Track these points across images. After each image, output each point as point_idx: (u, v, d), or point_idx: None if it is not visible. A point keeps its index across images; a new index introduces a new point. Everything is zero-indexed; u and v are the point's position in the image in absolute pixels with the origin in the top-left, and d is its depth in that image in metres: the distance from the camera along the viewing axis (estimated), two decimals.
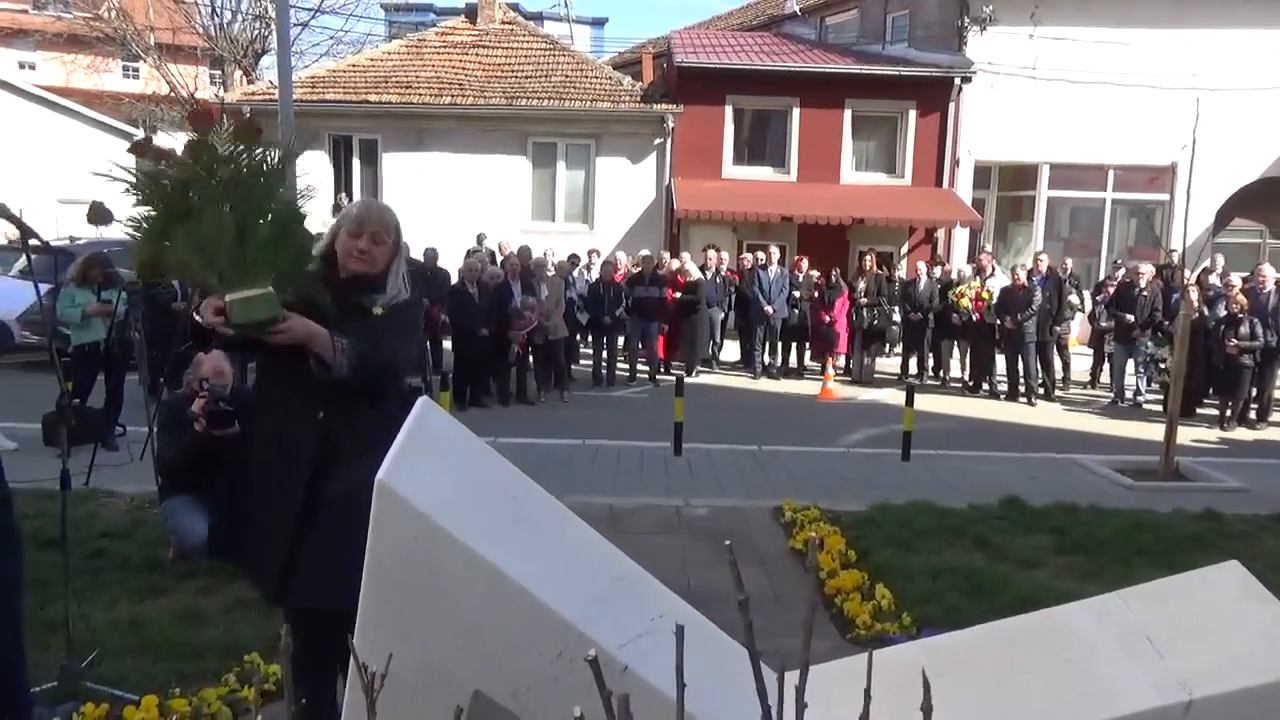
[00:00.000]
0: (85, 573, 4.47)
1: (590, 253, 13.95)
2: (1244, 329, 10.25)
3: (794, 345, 13.55)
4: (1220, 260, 13.23)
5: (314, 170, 16.21)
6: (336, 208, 17.11)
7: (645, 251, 13.46)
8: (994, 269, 12.63)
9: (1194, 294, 10.17)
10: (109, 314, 7.50)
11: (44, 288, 3.36)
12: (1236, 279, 11.16)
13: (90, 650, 3.60)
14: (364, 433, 2.43)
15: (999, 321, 11.65)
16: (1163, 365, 11.27)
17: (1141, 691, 1.71)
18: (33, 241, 3.37)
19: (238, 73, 27.60)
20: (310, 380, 2.42)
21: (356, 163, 17.26)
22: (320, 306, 2.50)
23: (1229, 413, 10.49)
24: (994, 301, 11.77)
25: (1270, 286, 10.56)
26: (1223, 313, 10.65)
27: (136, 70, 31.41)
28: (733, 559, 0.73)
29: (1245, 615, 1.78)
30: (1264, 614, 1.75)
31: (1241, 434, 10.21)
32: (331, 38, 29.76)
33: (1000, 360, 12.12)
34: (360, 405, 2.51)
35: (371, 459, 1.74)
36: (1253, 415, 10.70)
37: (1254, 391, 10.69)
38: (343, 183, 17.26)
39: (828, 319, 12.67)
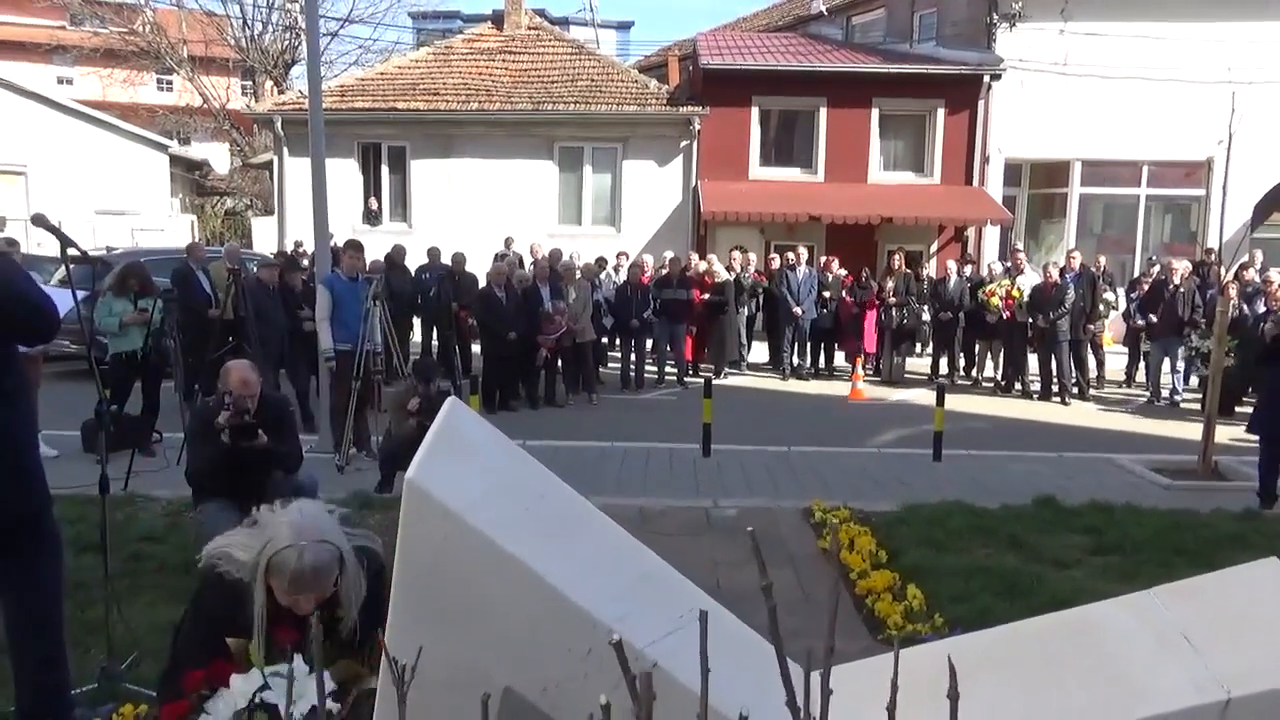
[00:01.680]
0: (124, 575, 4.54)
1: (619, 255, 13.97)
2: None
3: (823, 346, 13.48)
4: (1259, 255, 12.98)
5: (344, 178, 16.40)
6: (368, 213, 17.32)
7: (670, 253, 13.46)
8: (1025, 267, 12.49)
9: (1233, 290, 9.99)
10: (145, 322, 7.62)
11: (81, 294, 3.43)
12: (1276, 275, 10.94)
13: (130, 652, 3.66)
14: None
15: (1030, 320, 11.52)
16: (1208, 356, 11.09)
17: (1178, 689, 1.68)
18: (71, 251, 3.43)
19: (269, 83, 28.01)
20: None
21: (385, 170, 17.44)
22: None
23: None
24: (1025, 300, 11.64)
25: None
26: (1261, 309, 10.45)
27: (170, 83, 31.96)
28: (756, 545, 0.73)
29: None
30: None
31: None
32: (360, 46, 30.10)
33: (1033, 359, 11.98)
34: None
35: None
36: None
37: None
38: (372, 189, 17.44)
39: (855, 312, 12.60)
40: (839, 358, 13.49)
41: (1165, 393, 11.45)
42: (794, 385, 12.68)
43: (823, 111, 16.80)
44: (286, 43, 28.56)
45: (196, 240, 16.54)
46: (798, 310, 12.66)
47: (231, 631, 2.36)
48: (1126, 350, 13.05)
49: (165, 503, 5.99)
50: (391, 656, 0.92)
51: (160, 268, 9.67)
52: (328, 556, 2.36)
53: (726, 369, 13.00)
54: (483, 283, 10.99)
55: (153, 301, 7.66)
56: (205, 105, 29.24)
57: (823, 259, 13.91)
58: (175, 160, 26.69)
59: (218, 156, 31.43)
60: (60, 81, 31.25)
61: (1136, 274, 14.34)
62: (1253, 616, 1.78)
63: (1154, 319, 11.23)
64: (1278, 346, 6.35)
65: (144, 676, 3.53)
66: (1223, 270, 10.45)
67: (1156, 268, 12.63)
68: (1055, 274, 11.48)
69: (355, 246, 8.21)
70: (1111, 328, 13.61)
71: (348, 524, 2.60)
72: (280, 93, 24.30)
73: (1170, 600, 1.90)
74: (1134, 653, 1.85)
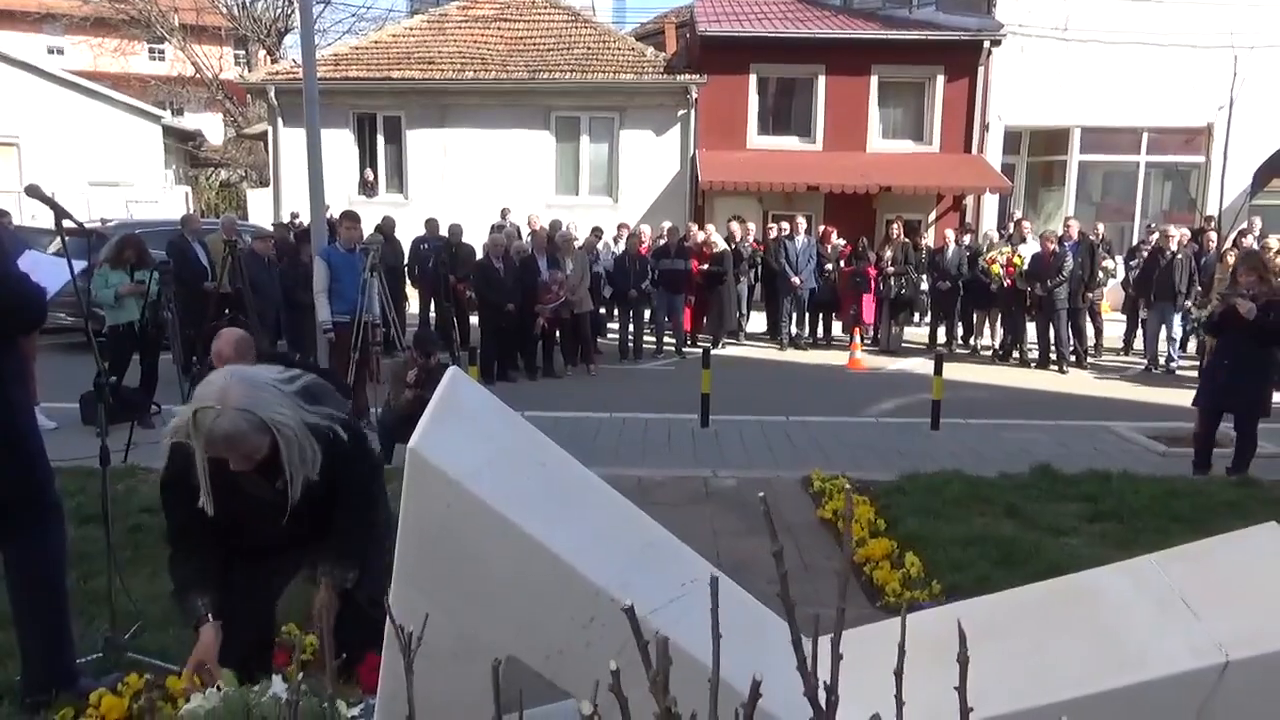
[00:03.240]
0: (126, 547, 4.56)
1: (620, 227, 13.91)
2: None
3: (821, 316, 13.47)
4: (1258, 222, 12.95)
5: (339, 149, 16.28)
6: (363, 184, 17.22)
7: (669, 223, 13.40)
8: (1026, 235, 12.45)
9: (1230, 258, 9.97)
10: (142, 294, 7.60)
11: (78, 266, 3.40)
12: (1275, 241, 10.93)
13: (133, 622, 3.68)
14: None
15: (1029, 289, 11.50)
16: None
17: (1177, 654, 1.70)
18: (67, 223, 3.40)
19: (261, 52, 27.73)
20: None
21: (381, 140, 17.31)
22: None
23: (1277, 377, 10.29)
24: (1025, 268, 11.62)
25: None
26: None
27: (162, 52, 31.62)
28: (766, 508, 0.73)
29: None
30: None
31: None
32: (354, 15, 29.89)
33: (1031, 328, 11.98)
34: None
35: None
36: None
37: None
38: (368, 160, 17.32)
39: (859, 281, 12.58)
40: (837, 327, 13.48)
41: (1162, 360, 11.47)
42: (792, 355, 12.69)
43: (821, 79, 16.66)
44: (279, 10, 28.25)
45: (191, 212, 16.43)
46: (796, 280, 12.63)
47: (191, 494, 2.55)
48: (1125, 318, 13.05)
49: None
50: (398, 624, 0.92)
51: (155, 240, 9.63)
52: (244, 425, 2.45)
53: (725, 339, 13.00)
54: (480, 254, 10.95)
55: (149, 273, 7.64)
56: (198, 75, 28.95)
57: (821, 229, 13.85)
58: (169, 131, 26.45)
59: (211, 127, 31.16)
60: (51, 51, 30.88)
61: (1135, 242, 14.30)
62: (1251, 581, 1.78)
63: (1147, 287, 11.21)
64: (1223, 320, 6.38)
65: (147, 646, 3.56)
66: (1212, 236, 10.43)
67: (1155, 235, 12.61)
68: (1054, 242, 11.45)
69: (352, 217, 8.18)
70: (1110, 296, 13.60)
71: (318, 400, 2.68)
72: (274, 62, 24.05)
73: (1168, 565, 1.91)
74: (1132, 617, 1.86)
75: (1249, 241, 11.87)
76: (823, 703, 0.66)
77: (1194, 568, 1.88)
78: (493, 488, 1.61)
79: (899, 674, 0.78)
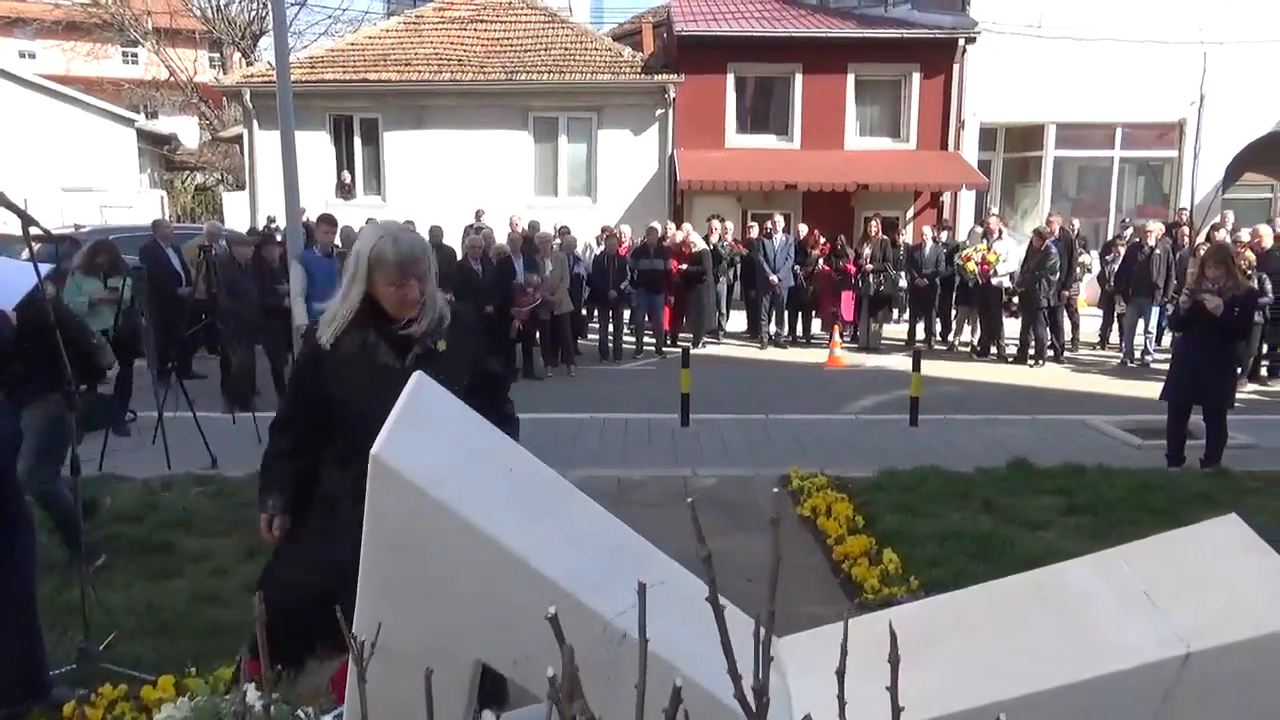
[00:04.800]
0: (100, 556, 4.52)
1: (603, 229, 13.85)
2: (1253, 285, 10.15)
3: (800, 314, 13.52)
4: (1230, 216, 13.09)
5: (315, 151, 16.19)
6: (341, 186, 17.12)
7: (656, 224, 13.41)
8: (1001, 231, 12.54)
9: (1203, 252, 10.09)
10: (116, 301, 7.52)
11: (44, 268, 3.36)
12: (1245, 235, 11.06)
13: (107, 633, 3.65)
14: None
15: (1013, 285, 11.61)
16: None
17: (1141, 645, 1.72)
18: (34, 230, 3.37)
19: (236, 55, 27.52)
20: None
21: (358, 142, 17.22)
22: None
23: (1240, 370, 10.43)
24: (1000, 262, 11.71)
25: (1269, 244, 10.46)
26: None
27: (136, 56, 31.34)
28: (694, 516, 0.74)
29: (1243, 568, 1.78)
30: (1262, 566, 1.75)
31: (1252, 390, 10.16)
32: (329, 17, 29.66)
33: (1010, 323, 12.07)
34: None
35: None
36: (1264, 372, 10.64)
37: (1264, 348, 10.63)
38: (344, 162, 17.23)
39: (837, 280, 12.64)
40: (816, 325, 13.53)
41: (1138, 354, 11.58)
42: (772, 353, 12.73)
43: (798, 78, 16.72)
44: (254, 13, 28.05)
45: (164, 217, 16.29)
46: (774, 278, 12.67)
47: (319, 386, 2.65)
48: (1101, 313, 13.18)
49: (140, 482, 5.96)
50: (353, 634, 0.92)
51: (130, 245, 9.54)
52: (420, 240, 2.67)
53: (705, 338, 13.02)
54: (460, 256, 10.92)
55: (123, 280, 7.56)
56: (172, 78, 28.72)
57: (802, 229, 13.88)
58: (143, 135, 26.23)
59: (186, 131, 30.90)
60: (22, 55, 30.55)
61: (1110, 237, 14.44)
62: (1212, 573, 1.81)
63: (1127, 282, 11.33)
64: (1191, 317, 6.46)
65: (122, 656, 3.53)
66: (1185, 231, 10.54)
67: (1129, 230, 12.73)
68: (1046, 238, 11.53)
69: (327, 220, 8.14)
70: (1086, 290, 13.73)
71: None
72: (249, 65, 23.88)
73: (1133, 558, 1.94)
74: (1098, 610, 1.88)
75: (1222, 235, 12.00)
76: (753, 704, 0.66)
77: (1158, 561, 1.91)
78: (458, 493, 1.61)
79: (840, 674, 0.79)
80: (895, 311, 13.60)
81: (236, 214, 18.76)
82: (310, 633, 2.56)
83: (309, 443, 2.74)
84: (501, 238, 11.47)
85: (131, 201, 21.87)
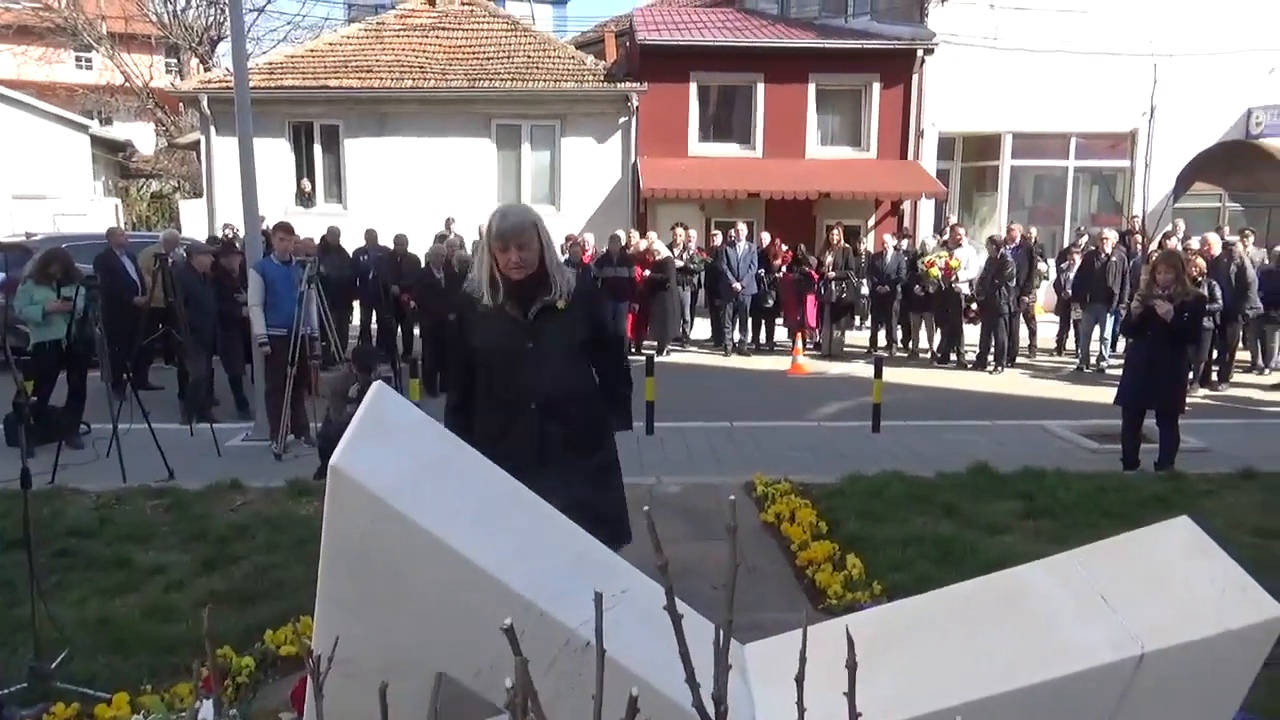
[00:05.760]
0: (53, 572, 4.42)
1: (566, 238, 13.82)
2: (1203, 291, 10.39)
3: (764, 321, 13.59)
4: (1181, 225, 13.41)
5: (275, 159, 16.00)
6: (300, 194, 16.93)
7: (621, 232, 13.41)
8: (963, 240, 12.71)
9: (1154, 259, 10.30)
10: (69, 310, 7.37)
11: None
12: (1195, 243, 11.33)
13: (59, 650, 3.57)
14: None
15: (975, 293, 11.78)
16: None
17: (1096, 646, 1.75)
18: None
19: (194, 60, 27.14)
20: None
21: (318, 149, 17.05)
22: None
23: (1191, 375, 10.67)
24: (961, 269, 11.88)
25: (1217, 251, 10.72)
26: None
27: (90, 61, 30.78)
28: (651, 524, 0.74)
29: (1195, 570, 1.82)
30: (1211, 568, 1.79)
31: (1203, 395, 10.39)
32: (289, 23, 29.35)
33: (970, 330, 12.24)
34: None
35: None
36: (1214, 377, 10.89)
37: (1214, 354, 10.88)
38: (304, 169, 17.05)
39: (796, 289, 12.74)
40: (780, 332, 13.62)
41: (1094, 359, 11.79)
42: (736, 361, 12.78)
43: (760, 87, 16.85)
44: (211, 18, 27.67)
45: (119, 225, 15.99)
46: (737, 286, 12.74)
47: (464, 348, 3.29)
48: (1058, 319, 13.40)
49: (94, 496, 5.83)
50: (309, 648, 0.91)
51: (84, 254, 9.36)
52: (524, 215, 3.19)
53: (669, 346, 13.04)
54: (423, 264, 10.85)
55: (76, 289, 7.41)
56: (127, 84, 28.23)
57: (765, 237, 13.96)
58: (97, 141, 25.75)
59: (142, 137, 30.38)
60: None
61: (1066, 245, 14.70)
62: (1165, 575, 1.85)
63: (1085, 288, 11.54)
64: (1142, 322, 6.61)
65: (76, 674, 3.45)
66: (1138, 239, 10.76)
67: (1084, 238, 12.96)
68: (1000, 246, 11.72)
69: (284, 228, 8.03)
70: (1043, 297, 13.96)
71: None
72: (206, 70, 23.56)
73: (1089, 561, 1.97)
74: (1055, 612, 1.91)
75: (1173, 243, 12.27)
76: (711, 713, 0.66)
77: (1112, 563, 1.95)
78: (417, 503, 1.59)
79: (800, 680, 0.79)
80: (857, 319, 13.73)
81: (194, 222, 18.49)
82: None
83: (470, 396, 3.30)
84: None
85: (85, 209, 21.46)
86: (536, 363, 3.17)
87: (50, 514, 5.37)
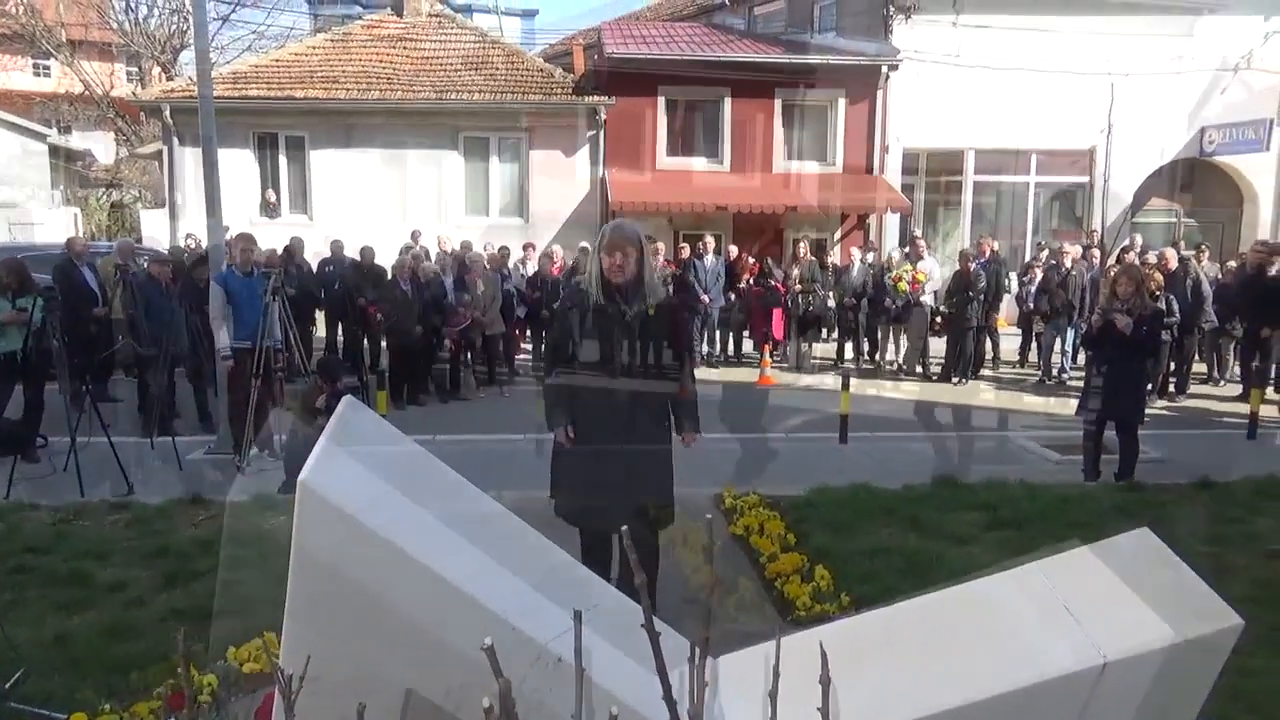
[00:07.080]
0: (7, 589, 4.33)
1: (525, 247, 13.83)
2: (1160, 305, 10.61)
3: (732, 334, 13.65)
4: (1139, 239, 13.68)
5: (239, 169, 15.83)
6: (265, 205, 16.76)
7: (585, 244, 13.39)
8: (925, 253, 12.86)
9: (1113, 273, 10.51)
10: (25, 322, 7.23)
11: None
12: (1153, 257, 11.56)
13: (14, 669, 3.49)
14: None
15: (942, 306, 11.93)
16: None
17: (1059, 656, 1.78)
18: None
19: (156, 69, 26.81)
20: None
21: (283, 160, 16.90)
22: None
23: (1150, 386, 10.86)
24: (927, 281, 12.04)
25: (1174, 265, 10.95)
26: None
27: (48, 68, 30.30)
28: (626, 542, 0.74)
29: (1155, 580, 1.86)
30: (1171, 578, 1.83)
31: (1162, 406, 10.59)
32: (254, 32, 29.02)
33: (934, 343, 12.38)
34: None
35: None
36: (1172, 388, 11.10)
37: (1172, 366, 11.10)
38: (269, 180, 16.88)
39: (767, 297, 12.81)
40: (748, 345, 13.68)
41: (1055, 372, 11.98)
42: (704, 373, 12.80)
43: (727, 101, 16.97)
44: (174, 27, 27.36)
45: (77, 234, 15.71)
46: (705, 298, 12.79)
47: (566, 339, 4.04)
48: (1020, 332, 13.59)
49: (51, 511, 5.71)
50: (279, 667, 0.90)
51: (41, 264, 9.19)
52: (635, 231, 3.99)
53: None
54: (389, 276, 10.77)
55: (32, 300, 7.27)
56: (87, 92, 27.80)
57: (732, 250, 14.02)
58: (55, 150, 25.32)
59: (102, 146, 29.92)
60: None
61: (1027, 259, 14.94)
62: (1126, 584, 1.88)
63: (1047, 305, 11.74)
64: (1101, 335, 6.73)
65: (31, 694, 3.37)
66: (1095, 253, 10.96)
67: (1045, 253, 13.18)
68: (971, 261, 11.88)
69: (246, 239, 7.94)
70: (1005, 310, 14.16)
71: None
72: (169, 79, 23.27)
73: (1052, 572, 2.00)
74: (1020, 622, 1.94)
75: (1131, 257, 12.52)
76: None
77: (1074, 574, 1.97)
78: (387, 519, 1.58)
79: (773, 696, 0.80)
80: (824, 331, 13.83)
81: (155, 232, 18.20)
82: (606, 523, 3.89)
83: (570, 368, 3.95)
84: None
85: (42, 218, 21.06)
86: (629, 351, 3.89)
87: (5, 530, 5.26)
